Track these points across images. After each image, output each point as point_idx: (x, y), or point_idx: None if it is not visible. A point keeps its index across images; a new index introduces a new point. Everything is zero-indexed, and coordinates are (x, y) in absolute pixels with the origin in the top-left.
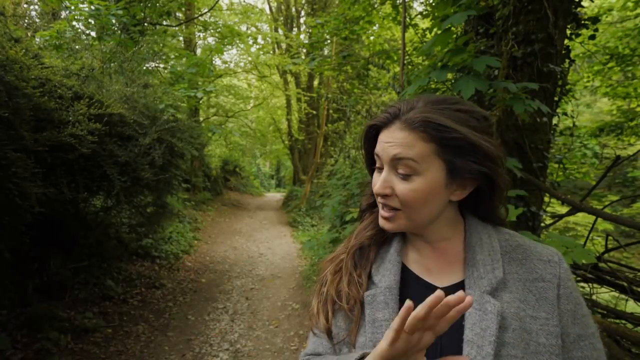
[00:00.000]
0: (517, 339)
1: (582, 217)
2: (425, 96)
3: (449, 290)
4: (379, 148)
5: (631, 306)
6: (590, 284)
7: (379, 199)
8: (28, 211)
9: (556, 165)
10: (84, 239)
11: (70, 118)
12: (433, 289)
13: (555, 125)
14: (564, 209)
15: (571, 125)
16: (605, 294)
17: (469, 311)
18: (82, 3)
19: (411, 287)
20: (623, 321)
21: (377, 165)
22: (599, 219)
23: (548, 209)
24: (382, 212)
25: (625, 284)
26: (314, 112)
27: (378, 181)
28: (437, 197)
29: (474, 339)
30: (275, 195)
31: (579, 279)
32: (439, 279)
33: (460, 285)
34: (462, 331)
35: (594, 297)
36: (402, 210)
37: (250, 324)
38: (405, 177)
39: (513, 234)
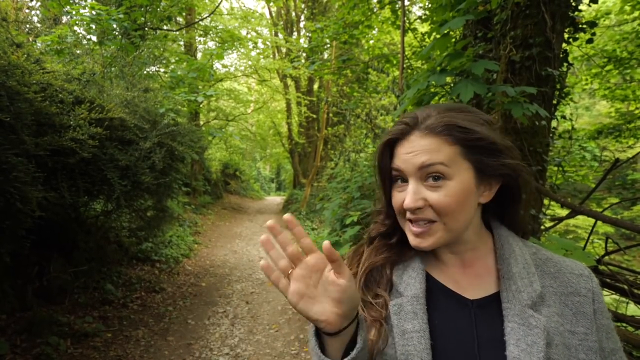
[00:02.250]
0: (561, 355)
1: (582, 220)
2: (433, 106)
3: (483, 303)
4: (399, 162)
5: (632, 309)
6: None
7: (409, 215)
8: (28, 215)
9: (555, 168)
10: (84, 242)
11: (71, 122)
12: (463, 301)
13: (554, 128)
14: (564, 212)
15: (570, 128)
16: (606, 297)
17: (510, 326)
18: (84, 8)
19: (439, 298)
20: (624, 324)
21: (398, 181)
22: (599, 222)
23: (548, 211)
24: (414, 228)
25: (625, 286)
26: (314, 115)
27: (407, 196)
28: (471, 200)
29: (520, 356)
30: (275, 199)
31: None
32: (468, 292)
33: (495, 298)
34: (504, 347)
35: None
36: (439, 221)
37: (251, 328)
38: (436, 185)
39: (538, 247)
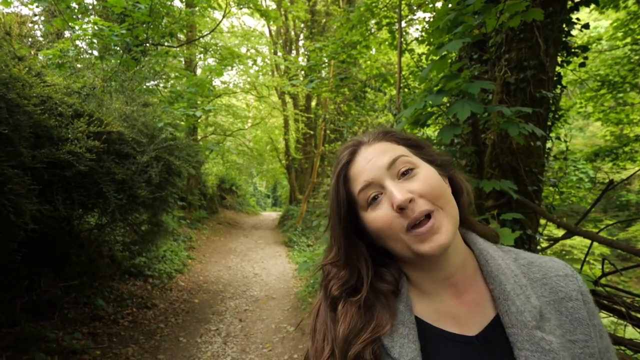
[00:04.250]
0: None
1: (578, 241)
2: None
3: (489, 336)
4: (365, 175)
5: (630, 332)
6: None
7: (404, 218)
8: (22, 228)
9: (552, 189)
10: (76, 256)
11: (70, 135)
12: (467, 340)
13: (549, 149)
14: (560, 232)
15: (564, 149)
16: (604, 319)
17: (523, 354)
18: (87, 24)
19: (439, 347)
20: (622, 347)
21: (372, 195)
22: (595, 243)
23: (545, 232)
24: (420, 230)
25: (623, 309)
26: (312, 132)
27: (394, 194)
28: (445, 186)
29: None
30: (271, 214)
31: None
32: (470, 326)
33: (496, 327)
34: None
35: None
36: (436, 208)
37: (244, 347)
38: (410, 177)
39: (516, 250)
